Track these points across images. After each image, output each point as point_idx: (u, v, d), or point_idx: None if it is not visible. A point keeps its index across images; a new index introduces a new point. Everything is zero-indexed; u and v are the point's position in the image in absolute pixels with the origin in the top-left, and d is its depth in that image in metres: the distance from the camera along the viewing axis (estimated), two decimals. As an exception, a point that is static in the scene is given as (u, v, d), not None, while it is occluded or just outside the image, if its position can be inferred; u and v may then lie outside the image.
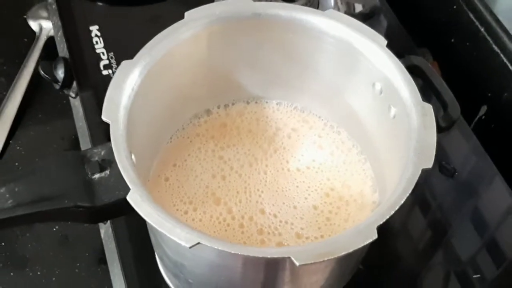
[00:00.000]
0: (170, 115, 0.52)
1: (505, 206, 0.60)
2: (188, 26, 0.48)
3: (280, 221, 0.49)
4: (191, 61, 0.50)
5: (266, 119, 0.56)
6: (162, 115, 0.50)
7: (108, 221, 0.55)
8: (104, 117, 0.43)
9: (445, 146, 0.63)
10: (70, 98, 0.63)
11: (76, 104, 0.63)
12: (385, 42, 0.47)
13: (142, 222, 0.39)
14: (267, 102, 0.56)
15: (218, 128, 0.55)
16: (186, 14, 0.48)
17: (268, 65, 0.53)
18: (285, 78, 0.54)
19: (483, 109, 0.65)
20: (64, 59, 0.63)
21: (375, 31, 0.48)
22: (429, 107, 0.45)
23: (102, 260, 0.57)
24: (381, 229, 0.39)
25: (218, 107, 0.56)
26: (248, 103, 0.56)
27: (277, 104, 0.56)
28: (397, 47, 0.49)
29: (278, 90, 0.55)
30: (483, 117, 0.65)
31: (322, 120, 0.55)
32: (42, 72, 0.61)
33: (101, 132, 0.54)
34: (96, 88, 0.62)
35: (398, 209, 0.40)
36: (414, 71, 0.48)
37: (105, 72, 0.63)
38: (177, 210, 0.49)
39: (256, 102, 0.56)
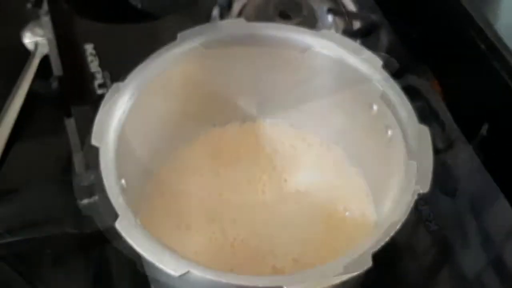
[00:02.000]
0: (164, 135, 0.51)
1: (508, 225, 0.58)
2: (181, 47, 0.47)
3: (276, 245, 0.48)
4: (185, 82, 0.49)
5: (264, 137, 0.55)
6: (156, 135, 0.50)
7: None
8: (93, 142, 0.42)
9: (446, 165, 0.62)
10: (64, 118, 0.62)
11: (70, 123, 0.62)
12: (380, 62, 0.46)
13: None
14: (264, 120, 0.55)
15: (216, 146, 0.54)
16: (179, 35, 0.47)
17: (264, 85, 0.52)
18: (281, 98, 0.53)
19: (485, 127, 0.64)
20: (58, 77, 0.63)
21: (371, 52, 0.47)
22: (425, 130, 0.44)
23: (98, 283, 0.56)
24: (381, 249, 0.39)
25: (214, 126, 0.55)
26: (244, 121, 0.55)
27: (274, 122, 0.55)
28: (396, 65, 0.48)
29: (274, 109, 0.55)
30: (484, 135, 0.64)
31: (320, 139, 0.54)
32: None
33: (95, 152, 0.53)
34: (90, 107, 0.61)
35: (397, 231, 0.39)
36: (411, 91, 0.47)
37: (100, 91, 0.62)
38: (169, 227, 0.49)
39: (253, 121, 0.55)
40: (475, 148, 0.63)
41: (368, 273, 0.46)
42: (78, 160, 0.53)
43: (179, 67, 0.48)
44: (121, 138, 0.43)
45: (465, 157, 0.62)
